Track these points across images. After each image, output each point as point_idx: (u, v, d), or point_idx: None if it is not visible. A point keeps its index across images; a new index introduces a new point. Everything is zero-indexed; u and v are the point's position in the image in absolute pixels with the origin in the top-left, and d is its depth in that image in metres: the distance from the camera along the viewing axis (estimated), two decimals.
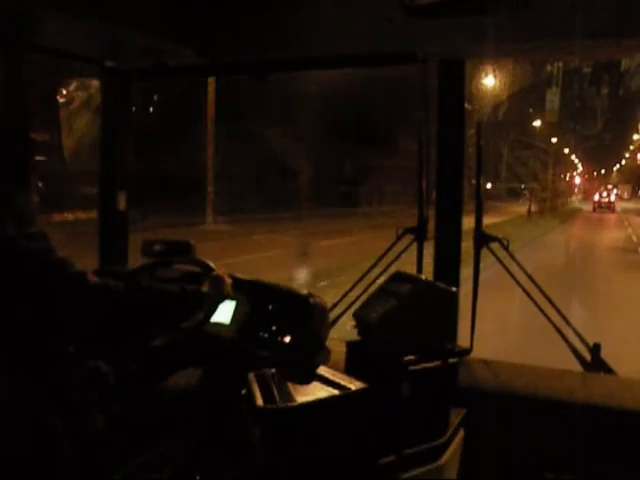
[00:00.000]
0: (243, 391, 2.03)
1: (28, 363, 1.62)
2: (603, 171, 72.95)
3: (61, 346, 1.76)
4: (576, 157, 60.52)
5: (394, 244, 2.70)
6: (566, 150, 52.25)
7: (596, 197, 53.35)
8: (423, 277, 2.42)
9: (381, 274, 2.68)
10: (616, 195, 58.64)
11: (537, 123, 35.72)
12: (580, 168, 67.09)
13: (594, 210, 47.17)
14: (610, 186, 65.92)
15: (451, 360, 2.20)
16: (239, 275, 2.38)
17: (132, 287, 1.82)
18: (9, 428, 1.60)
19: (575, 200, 60.92)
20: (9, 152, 1.81)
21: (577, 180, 65.03)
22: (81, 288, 1.70)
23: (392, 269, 2.52)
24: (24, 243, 1.70)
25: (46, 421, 1.64)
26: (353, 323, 2.27)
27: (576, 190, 67.64)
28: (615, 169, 71.92)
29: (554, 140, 41.20)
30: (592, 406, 2.13)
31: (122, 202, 3.05)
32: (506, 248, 2.52)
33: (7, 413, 1.60)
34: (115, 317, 1.79)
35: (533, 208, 31.38)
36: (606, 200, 50.68)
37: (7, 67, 2.41)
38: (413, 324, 2.11)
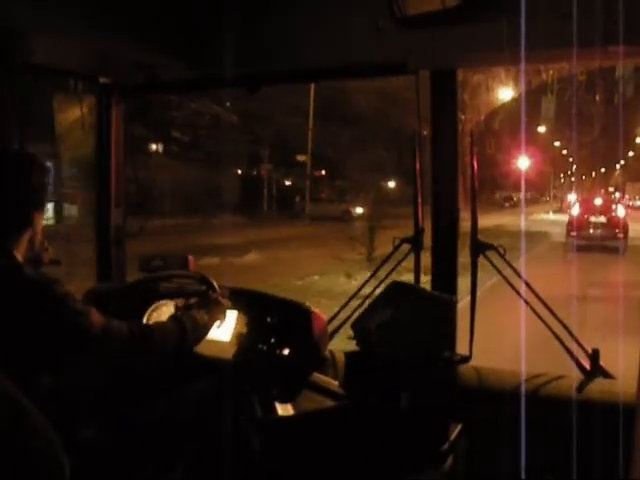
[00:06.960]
0: (242, 403, 2.02)
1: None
2: (603, 170, 51.93)
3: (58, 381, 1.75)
4: (572, 160, 49.25)
5: (391, 254, 2.69)
6: (564, 152, 47.05)
7: (574, 211, 21.31)
8: (420, 286, 2.41)
9: (379, 284, 2.67)
10: (619, 200, 30.35)
11: (542, 129, 35.14)
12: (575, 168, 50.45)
13: (567, 242, 19.78)
14: (612, 189, 42.84)
15: (450, 368, 2.19)
16: (238, 287, 2.38)
17: (133, 329, 1.81)
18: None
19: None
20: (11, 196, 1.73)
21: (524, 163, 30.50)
22: (83, 329, 1.68)
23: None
24: (28, 272, 1.67)
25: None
26: (351, 334, 2.27)
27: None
28: (618, 167, 49.74)
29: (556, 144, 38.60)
30: (591, 410, 2.13)
31: (119, 218, 3.05)
32: (502, 256, 2.52)
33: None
34: (114, 358, 1.78)
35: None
36: (600, 220, 19.81)
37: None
38: (411, 334, 2.11)
